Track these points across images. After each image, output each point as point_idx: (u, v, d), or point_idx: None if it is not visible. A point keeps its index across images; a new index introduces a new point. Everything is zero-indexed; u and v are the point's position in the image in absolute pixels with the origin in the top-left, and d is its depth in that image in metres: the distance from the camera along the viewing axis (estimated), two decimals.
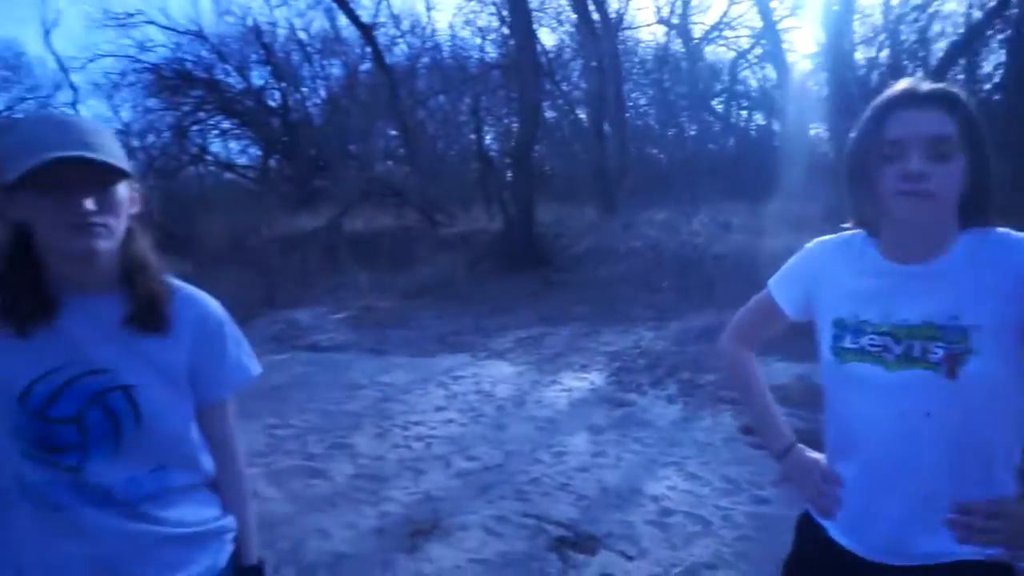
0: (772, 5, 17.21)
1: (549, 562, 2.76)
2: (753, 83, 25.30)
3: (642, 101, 26.99)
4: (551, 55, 20.70)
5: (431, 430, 4.52)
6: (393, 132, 22.33)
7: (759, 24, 21.61)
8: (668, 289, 9.20)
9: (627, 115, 19.23)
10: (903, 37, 15.47)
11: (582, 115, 21.70)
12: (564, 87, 21.60)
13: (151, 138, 21.66)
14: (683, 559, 2.81)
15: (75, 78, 22.87)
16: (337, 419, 4.79)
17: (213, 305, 1.18)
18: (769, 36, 17.17)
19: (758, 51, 23.10)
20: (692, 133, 25.54)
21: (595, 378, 5.66)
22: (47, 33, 22.88)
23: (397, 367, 6.27)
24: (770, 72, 24.59)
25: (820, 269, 1.26)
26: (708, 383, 5.27)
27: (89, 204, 0.96)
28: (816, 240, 1.31)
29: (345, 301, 10.81)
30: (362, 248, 14.29)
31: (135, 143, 23.23)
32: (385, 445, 4.21)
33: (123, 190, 1.03)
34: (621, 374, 5.72)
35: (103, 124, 1.02)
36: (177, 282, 1.14)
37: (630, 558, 2.83)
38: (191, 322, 1.12)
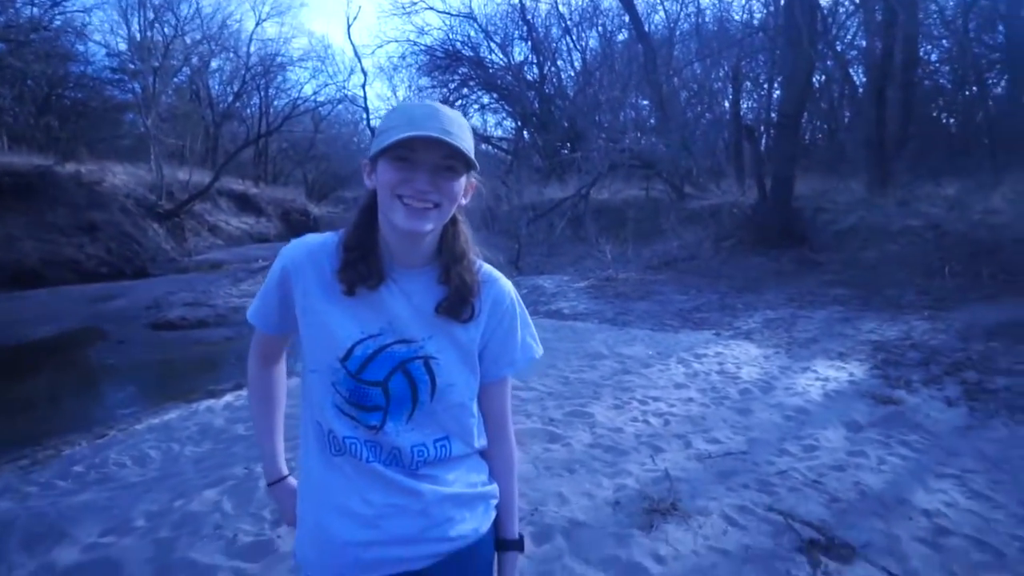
0: None
1: (797, 564, 2.55)
2: None
3: (933, 57, 23.51)
4: (825, 11, 18.81)
5: (670, 407, 4.42)
6: (645, 102, 22.05)
7: None
8: (951, 275, 7.98)
9: (916, 75, 16.81)
10: None
11: (856, 78, 19.50)
12: (838, 47, 19.53)
13: None
14: None
15: (366, 63, 26.00)
16: (576, 387, 4.89)
17: (508, 288, 1.23)
18: None
19: None
20: (999, 91, 21.64)
21: (855, 369, 5.11)
22: (348, 27, 26.16)
23: (638, 340, 6.23)
24: None
25: None
26: (1003, 388, 4.48)
27: (427, 183, 1.05)
28: None
29: (588, 271, 10.99)
30: (607, 219, 14.39)
31: None
32: (623, 418, 4.20)
33: (463, 180, 1.10)
34: (887, 367, 5.09)
35: (466, 120, 1.12)
36: (479, 263, 1.21)
37: None
38: (488, 303, 1.18)
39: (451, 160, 1.06)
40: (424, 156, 1.04)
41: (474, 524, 1.18)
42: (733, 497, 3.11)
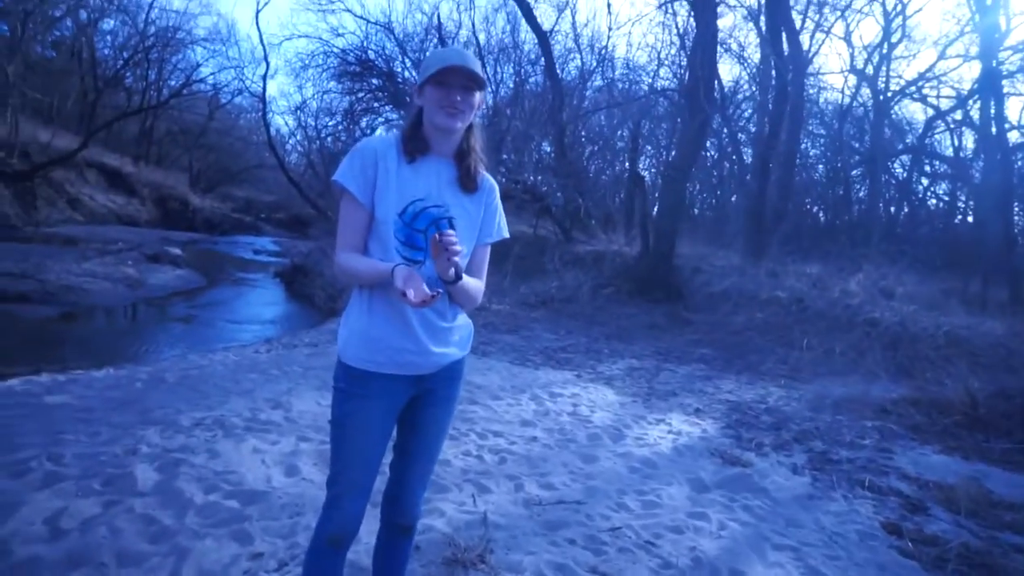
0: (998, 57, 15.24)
1: None
2: (948, 151, 23.03)
3: (812, 151, 25.34)
4: (726, 91, 19.80)
5: (510, 444, 4.00)
6: (548, 148, 22.24)
7: (967, 84, 19.56)
8: (808, 348, 8.15)
9: (796, 158, 17.91)
10: None
11: (746, 159, 20.58)
12: (733, 128, 20.65)
13: (324, 119, 22.82)
14: None
15: (272, 55, 24.74)
16: None
17: (495, 183, 1.81)
18: (984, 95, 15.28)
19: (958, 115, 20.93)
20: (862, 195, 23.57)
21: (708, 426, 4.90)
22: (257, 12, 24.89)
23: (494, 371, 5.82)
24: (969, 140, 22.26)
25: None
26: (846, 460, 4.39)
27: (458, 97, 1.62)
28: None
29: None
30: (492, 251, 14.05)
31: (310, 120, 24.61)
32: (455, 451, 3.73)
33: (479, 96, 1.68)
34: (740, 428, 4.93)
35: (475, 56, 1.68)
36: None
37: None
38: (485, 185, 1.77)
39: (470, 82, 1.63)
40: (453, 80, 1.61)
41: (463, 351, 1.82)
42: (555, 553, 2.69)
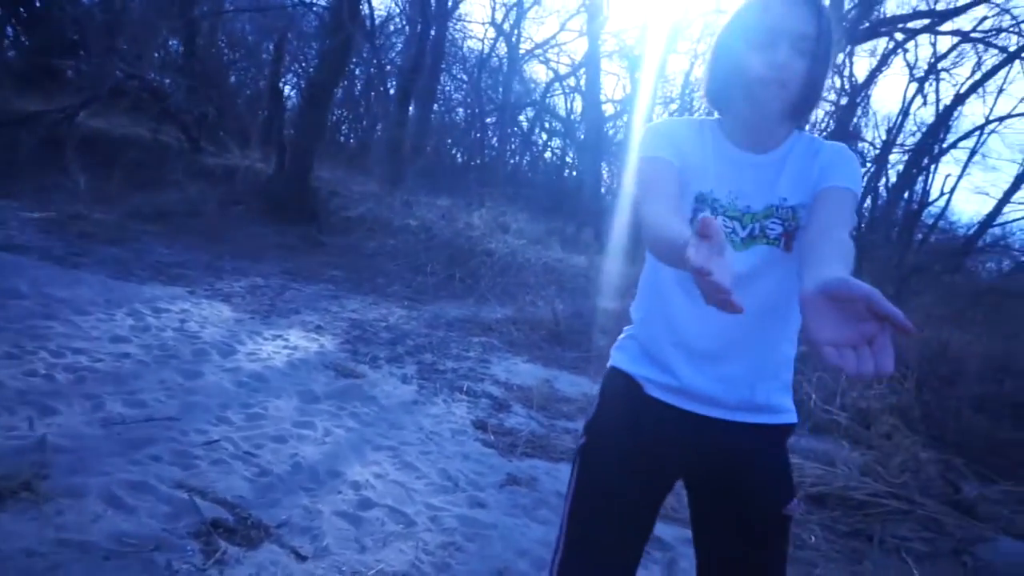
0: (601, 39, 17.72)
1: (185, 553, 2.00)
2: (562, 111, 26.36)
3: (455, 96, 26.80)
4: (377, 20, 19.59)
5: (94, 362, 3.46)
6: (177, 45, 19.55)
7: (580, 54, 22.50)
8: (431, 274, 8.72)
9: (437, 102, 18.78)
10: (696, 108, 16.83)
11: (391, 91, 20.82)
12: (381, 59, 20.72)
13: None
14: (371, 565, 2.22)
15: None
16: None
17: None
18: (590, 68, 17.67)
19: (571, 81, 24.03)
20: (495, 142, 25.88)
21: (327, 342, 4.92)
22: None
23: (83, 284, 4.98)
24: (578, 105, 25.80)
25: (683, 140, 1.23)
26: (451, 370, 4.81)
27: None
28: (665, 119, 1.32)
29: (53, 204, 8.84)
30: (101, 153, 12.00)
31: None
32: (12, 370, 3.10)
33: None
34: (359, 344, 5.04)
35: None
36: None
37: (303, 558, 2.18)
38: None
39: None
40: None
41: None
42: (133, 472, 2.41)
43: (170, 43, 19.77)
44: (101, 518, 2.06)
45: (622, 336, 1.33)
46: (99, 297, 4.73)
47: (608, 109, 22.36)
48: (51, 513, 1.99)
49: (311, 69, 22.77)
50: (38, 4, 18.49)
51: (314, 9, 18.43)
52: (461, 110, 27.00)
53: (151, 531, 2.06)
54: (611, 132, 22.86)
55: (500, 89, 24.63)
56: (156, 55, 19.07)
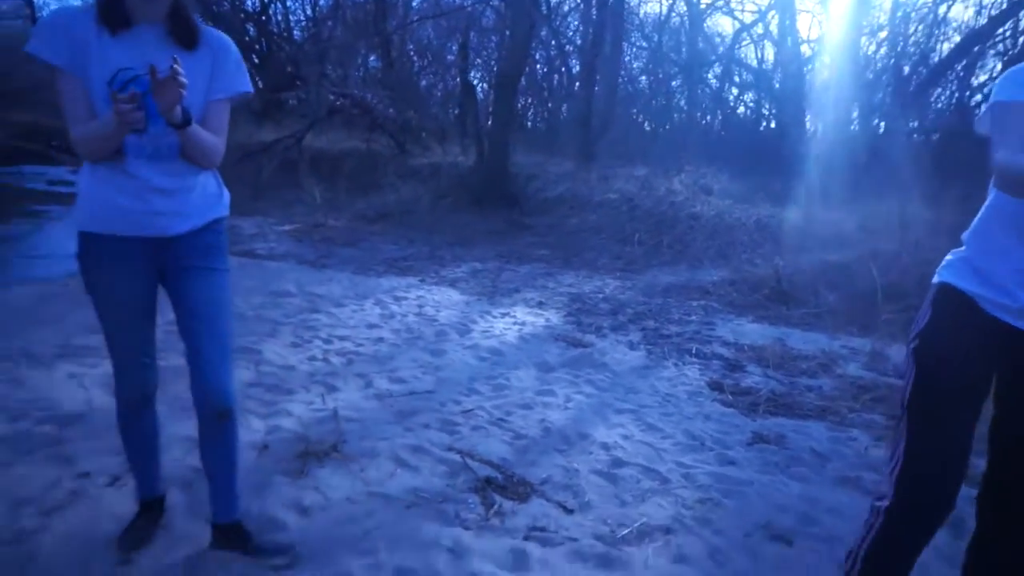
0: None
1: (469, 505, 2.20)
2: (752, 62, 24.69)
3: (635, 64, 26.21)
4: (552, 3, 19.75)
5: (357, 346, 3.91)
6: (375, 61, 21.21)
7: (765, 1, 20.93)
8: (639, 243, 8.65)
9: (620, 73, 18.49)
10: (909, 34, 14.88)
11: (574, 71, 20.88)
12: (560, 40, 20.84)
13: None
14: (634, 518, 2.28)
15: None
16: (252, 324, 4.14)
17: (226, 36, 1.69)
18: (780, 10, 16.42)
19: (759, 29, 22.40)
20: (683, 104, 24.94)
21: (552, 316, 5.09)
22: None
23: (335, 281, 5.63)
24: (769, 53, 24.03)
25: None
26: (675, 334, 4.75)
27: None
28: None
29: (297, 216, 10.04)
30: (324, 167, 13.42)
31: None
32: (299, 356, 3.59)
33: None
34: (581, 315, 5.16)
35: None
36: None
37: (569, 511, 2.30)
38: (213, 44, 1.64)
39: None
40: None
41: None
42: (409, 437, 2.69)
43: (369, 59, 21.51)
44: (394, 475, 2.33)
45: (950, 257, 1.51)
46: (349, 291, 5.31)
47: (804, 51, 20.53)
48: (356, 470, 2.30)
49: (493, 61, 23.58)
50: (264, 49, 21.04)
51: (492, 4, 19.02)
52: (643, 78, 26.39)
53: (436, 487, 2.30)
54: (809, 76, 21.05)
55: (683, 50, 23.67)
56: (357, 73, 20.89)
